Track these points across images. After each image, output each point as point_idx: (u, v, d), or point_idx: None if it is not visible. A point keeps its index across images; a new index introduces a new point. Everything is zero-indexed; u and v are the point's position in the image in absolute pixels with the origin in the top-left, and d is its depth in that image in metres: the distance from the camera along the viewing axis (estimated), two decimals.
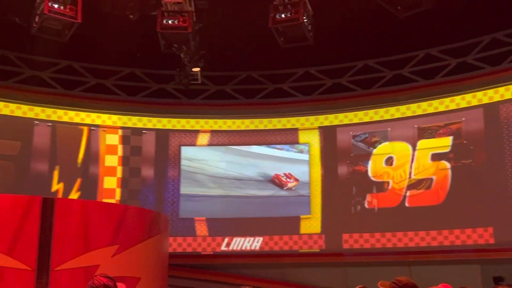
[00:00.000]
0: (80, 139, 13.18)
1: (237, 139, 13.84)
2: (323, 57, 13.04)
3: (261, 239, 13.20)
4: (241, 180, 13.66)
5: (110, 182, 13.22)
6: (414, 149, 12.68)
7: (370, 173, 12.94)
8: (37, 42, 11.21)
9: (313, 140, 13.56)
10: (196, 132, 13.84)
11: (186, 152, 13.75)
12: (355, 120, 13.36)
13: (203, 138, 13.84)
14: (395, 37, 12.00)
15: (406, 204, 12.54)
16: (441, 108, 12.58)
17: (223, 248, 13.24)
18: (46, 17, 9.91)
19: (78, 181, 13.03)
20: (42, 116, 12.98)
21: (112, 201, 12.92)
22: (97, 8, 10.67)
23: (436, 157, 12.46)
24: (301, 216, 13.20)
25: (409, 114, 12.88)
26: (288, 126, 13.74)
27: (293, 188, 13.59)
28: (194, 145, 13.80)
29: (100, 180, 13.20)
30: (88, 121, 13.31)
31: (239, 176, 13.69)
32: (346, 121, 13.43)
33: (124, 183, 13.31)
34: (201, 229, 13.35)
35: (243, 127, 13.88)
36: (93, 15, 10.57)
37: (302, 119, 13.70)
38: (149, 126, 13.72)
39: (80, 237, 9.10)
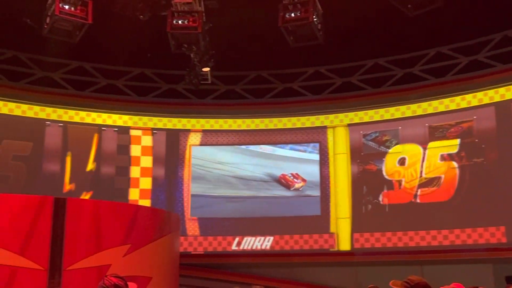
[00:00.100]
0: (91, 139, 13.25)
1: (247, 139, 13.84)
2: (333, 56, 13.01)
3: (271, 238, 13.20)
4: (251, 180, 13.67)
5: (122, 182, 13.28)
6: (424, 148, 12.63)
7: (384, 172, 12.89)
8: (48, 43, 11.28)
9: (323, 138, 13.54)
10: (206, 131, 13.87)
11: (197, 151, 13.78)
12: (366, 119, 13.32)
13: (213, 138, 13.86)
14: (406, 36, 11.95)
15: (418, 201, 12.48)
16: (452, 107, 12.50)
17: (233, 247, 13.26)
18: (57, 18, 9.99)
19: (90, 181, 13.09)
20: (54, 116, 13.06)
21: (124, 200, 12.97)
22: (107, 9, 10.72)
23: (446, 156, 12.40)
24: (331, 215, 13.07)
25: (420, 112, 12.82)
26: (298, 125, 13.73)
27: (300, 189, 13.54)
28: (204, 144, 13.83)
29: (112, 180, 13.26)
30: (99, 121, 13.39)
31: (249, 175, 13.69)
32: (356, 120, 13.40)
33: (134, 182, 13.36)
34: (212, 228, 13.37)
35: (253, 127, 13.89)
36: (103, 16, 10.63)
37: (312, 118, 13.68)
38: (160, 126, 13.77)
39: (91, 236, 9.16)
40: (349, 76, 13.56)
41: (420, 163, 12.61)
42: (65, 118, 13.14)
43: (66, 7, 9.95)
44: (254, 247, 13.22)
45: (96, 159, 13.23)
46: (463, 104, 12.39)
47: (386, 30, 11.72)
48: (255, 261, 13.05)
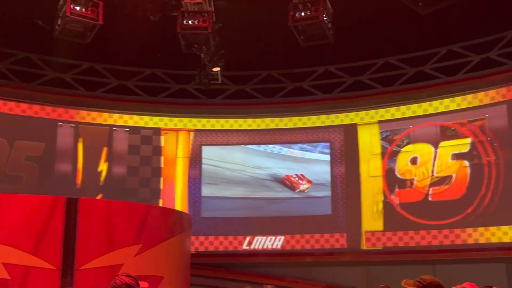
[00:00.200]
0: (102, 139, 13.32)
1: (258, 138, 13.84)
2: (343, 55, 12.97)
3: (282, 238, 13.19)
4: (262, 179, 13.66)
5: (133, 182, 13.33)
6: (436, 147, 12.56)
7: (396, 171, 12.83)
8: (59, 44, 11.36)
9: (334, 138, 13.50)
10: (217, 131, 13.89)
11: (207, 151, 13.80)
12: (377, 118, 13.27)
13: (224, 138, 13.88)
14: (416, 34, 11.88)
15: (429, 199, 12.42)
16: (464, 105, 12.42)
17: (244, 247, 13.26)
18: (68, 19, 10.05)
19: (102, 181, 13.16)
20: (65, 117, 13.15)
21: (135, 200, 13.02)
22: (118, 10, 10.77)
23: (457, 155, 12.32)
24: (342, 214, 13.01)
25: (431, 111, 12.75)
26: (309, 124, 13.70)
27: (305, 191, 13.44)
28: (215, 144, 13.85)
29: (123, 180, 13.31)
30: (110, 121, 13.46)
31: (260, 175, 13.68)
32: (367, 119, 13.35)
33: (145, 182, 13.41)
34: (223, 228, 13.38)
35: (263, 126, 13.88)
36: (114, 17, 10.67)
37: (323, 117, 13.64)
38: (170, 126, 13.80)
39: (103, 236, 9.21)
40: (360, 75, 13.51)
41: (432, 162, 12.54)
42: (77, 118, 13.22)
43: (77, 8, 10.01)
44: (265, 247, 13.22)
45: (107, 159, 13.30)
46: (475, 103, 12.30)
47: (396, 28, 11.66)
48: (266, 261, 13.05)
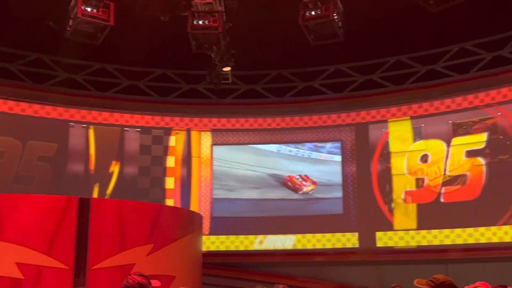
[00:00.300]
0: (114, 139, 13.39)
1: (268, 138, 13.83)
2: (354, 54, 12.93)
3: (293, 237, 13.17)
4: (272, 179, 13.64)
5: (144, 182, 13.38)
6: (448, 145, 12.47)
7: (406, 170, 12.76)
8: (71, 45, 11.43)
9: (345, 137, 13.45)
10: (227, 131, 13.90)
11: (218, 151, 13.82)
12: (388, 117, 13.21)
13: (235, 137, 13.89)
14: (428, 32, 11.82)
15: (442, 201, 12.34)
16: (476, 103, 12.33)
17: (256, 246, 13.26)
18: (79, 20, 10.10)
19: (114, 181, 13.23)
20: (77, 117, 13.23)
21: (147, 200, 13.07)
22: (128, 11, 10.81)
23: (471, 153, 12.23)
24: (354, 213, 12.95)
25: (443, 109, 12.67)
26: (320, 123, 13.67)
27: (310, 192, 13.36)
28: (226, 144, 13.86)
29: (135, 179, 13.37)
30: (121, 121, 13.52)
31: (271, 174, 13.66)
32: (378, 118, 13.29)
33: (157, 182, 13.46)
34: (234, 227, 13.39)
35: (274, 126, 13.88)
36: (124, 18, 10.72)
37: (334, 116, 13.60)
38: (181, 125, 13.84)
39: (116, 236, 9.25)
40: (371, 73, 13.46)
41: (444, 161, 12.45)
42: (89, 118, 13.30)
43: (89, 9, 10.07)
44: (276, 246, 13.21)
45: (119, 159, 13.36)
46: (487, 100, 12.21)
47: (407, 26, 11.60)
48: (277, 260, 13.05)
